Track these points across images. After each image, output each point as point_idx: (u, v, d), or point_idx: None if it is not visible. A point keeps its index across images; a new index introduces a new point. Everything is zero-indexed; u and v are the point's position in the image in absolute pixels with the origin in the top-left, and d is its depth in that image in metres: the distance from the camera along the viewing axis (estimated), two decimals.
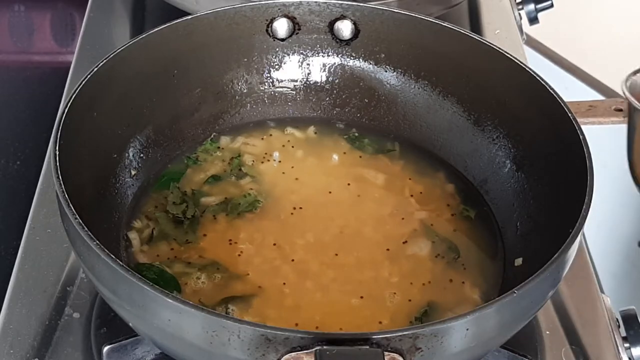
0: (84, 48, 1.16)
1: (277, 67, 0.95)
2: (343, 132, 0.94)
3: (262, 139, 0.93)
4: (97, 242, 0.64)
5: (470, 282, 0.79)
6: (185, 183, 0.87)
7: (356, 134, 0.94)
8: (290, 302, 0.75)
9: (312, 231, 0.82)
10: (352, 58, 0.95)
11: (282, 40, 0.94)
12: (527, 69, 0.84)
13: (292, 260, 0.79)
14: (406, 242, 0.82)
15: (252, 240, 0.81)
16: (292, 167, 0.90)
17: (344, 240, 0.82)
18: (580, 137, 0.76)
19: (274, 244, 0.81)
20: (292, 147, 0.93)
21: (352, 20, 0.93)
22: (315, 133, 0.94)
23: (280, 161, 0.91)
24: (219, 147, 0.91)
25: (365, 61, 0.95)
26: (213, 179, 0.88)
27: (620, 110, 0.92)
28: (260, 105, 0.95)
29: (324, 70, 0.95)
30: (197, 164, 0.89)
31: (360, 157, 0.92)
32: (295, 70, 0.95)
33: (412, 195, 0.88)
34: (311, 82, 0.96)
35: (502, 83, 0.87)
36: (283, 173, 0.89)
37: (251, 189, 0.87)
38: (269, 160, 0.91)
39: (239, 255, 0.80)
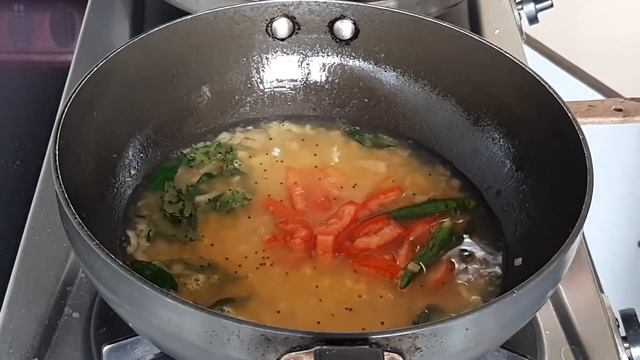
0: (84, 48, 1.16)
1: (276, 67, 0.95)
2: (342, 130, 0.94)
3: (260, 135, 0.93)
4: (97, 241, 0.64)
5: (470, 282, 0.79)
6: (180, 182, 0.87)
7: (357, 128, 0.94)
8: (285, 305, 0.75)
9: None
10: (351, 58, 0.95)
11: (282, 40, 0.94)
12: (527, 69, 0.84)
13: (287, 260, 0.79)
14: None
15: (246, 239, 0.81)
16: (290, 162, 0.90)
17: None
18: (580, 137, 0.76)
19: (267, 243, 0.81)
20: (290, 142, 0.93)
21: (352, 20, 0.93)
22: (315, 131, 0.94)
23: (277, 156, 0.91)
24: (216, 147, 0.91)
25: (365, 61, 0.95)
26: (207, 177, 0.88)
27: (620, 110, 0.92)
28: (259, 105, 0.95)
29: (324, 70, 0.96)
30: (192, 163, 0.89)
31: (359, 150, 0.92)
32: (295, 70, 0.95)
33: (414, 194, 0.88)
34: (311, 82, 0.96)
35: (502, 83, 0.87)
36: (279, 167, 0.89)
37: (239, 188, 0.86)
38: (265, 155, 0.91)
39: (234, 257, 0.79)
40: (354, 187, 0.88)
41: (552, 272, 0.66)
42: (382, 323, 0.74)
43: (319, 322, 0.74)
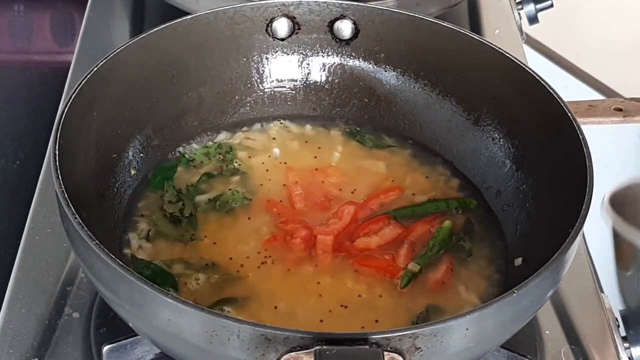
0: (84, 48, 1.16)
1: (276, 67, 0.95)
2: (342, 130, 0.94)
3: (260, 135, 0.93)
4: (97, 241, 0.64)
5: (470, 282, 0.79)
6: (180, 181, 0.87)
7: (357, 128, 0.94)
8: (285, 305, 0.75)
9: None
10: (351, 58, 0.95)
11: (282, 40, 0.94)
12: (527, 69, 0.84)
13: (287, 260, 0.79)
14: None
15: (246, 239, 0.81)
16: (290, 162, 0.90)
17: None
18: (580, 137, 0.76)
19: (266, 243, 0.81)
20: (290, 142, 0.93)
21: (352, 20, 0.93)
22: (315, 131, 0.94)
23: (277, 156, 0.91)
24: (216, 147, 0.91)
25: (365, 61, 0.95)
26: (207, 176, 0.88)
27: (620, 110, 0.92)
28: (260, 105, 0.95)
29: (324, 70, 0.96)
30: (192, 163, 0.89)
31: (359, 150, 0.92)
32: (295, 70, 0.95)
33: (413, 194, 0.88)
34: (311, 81, 0.96)
35: (502, 83, 0.87)
36: (279, 167, 0.90)
37: (239, 188, 0.86)
38: (265, 155, 0.91)
39: (235, 257, 0.80)
40: (353, 187, 0.88)
41: (552, 272, 0.66)
42: (377, 321, 0.74)
43: (321, 321, 0.74)
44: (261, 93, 0.95)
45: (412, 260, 0.80)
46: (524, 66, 0.84)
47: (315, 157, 0.91)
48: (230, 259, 0.79)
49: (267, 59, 0.94)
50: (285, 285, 0.77)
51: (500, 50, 0.86)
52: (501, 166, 0.87)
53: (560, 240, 0.67)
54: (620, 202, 0.84)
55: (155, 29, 0.86)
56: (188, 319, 0.60)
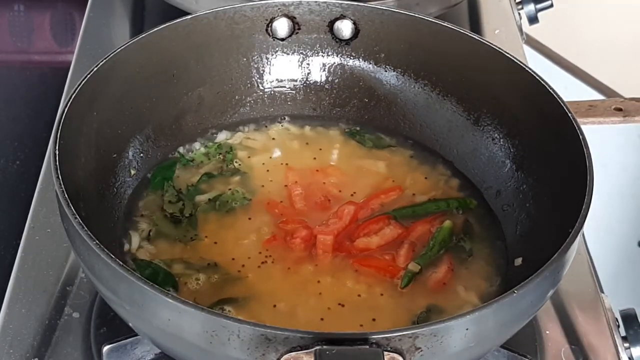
0: (84, 48, 1.16)
1: (276, 66, 0.95)
2: (342, 130, 0.94)
3: (260, 135, 0.93)
4: (97, 241, 0.64)
5: (470, 282, 0.79)
6: (180, 181, 0.87)
7: (357, 128, 0.94)
8: (285, 305, 0.75)
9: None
10: (351, 58, 0.95)
11: (282, 40, 0.94)
12: (527, 69, 0.84)
13: (287, 260, 0.79)
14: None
15: (246, 239, 0.81)
16: (290, 162, 0.90)
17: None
18: (580, 137, 0.76)
19: (266, 243, 0.81)
20: (290, 142, 0.93)
21: (352, 20, 0.93)
22: (314, 131, 0.94)
23: (277, 156, 0.91)
24: (217, 147, 0.91)
25: (365, 61, 0.95)
26: (207, 176, 0.88)
27: (620, 109, 0.92)
28: (260, 104, 0.95)
29: (324, 70, 0.96)
30: (192, 163, 0.89)
31: (359, 149, 0.92)
32: (295, 70, 0.95)
33: (414, 194, 0.88)
34: (311, 81, 0.96)
35: (502, 83, 0.87)
36: (279, 167, 0.90)
37: (238, 188, 0.86)
38: (265, 155, 0.91)
39: (235, 257, 0.79)
40: (353, 187, 0.88)
41: (552, 272, 0.66)
42: (374, 320, 0.74)
43: (322, 319, 0.74)
44: (261, 93, 0.95)
45: (412, 260, 0.80)
46: (524, 66, 0.84)
47: (315, 157, 0.91)
48: (233, 259, 0.79)
49: (267, 59, 0.94)
50: (285, 285, 0.77)
51: (501, 50, 0.86)
52: (501, 166, 0.87)
53: (560, 240, 0.67)
54: None
55: (155, 29, 0.86)
56: (188, 319, 0.60)
